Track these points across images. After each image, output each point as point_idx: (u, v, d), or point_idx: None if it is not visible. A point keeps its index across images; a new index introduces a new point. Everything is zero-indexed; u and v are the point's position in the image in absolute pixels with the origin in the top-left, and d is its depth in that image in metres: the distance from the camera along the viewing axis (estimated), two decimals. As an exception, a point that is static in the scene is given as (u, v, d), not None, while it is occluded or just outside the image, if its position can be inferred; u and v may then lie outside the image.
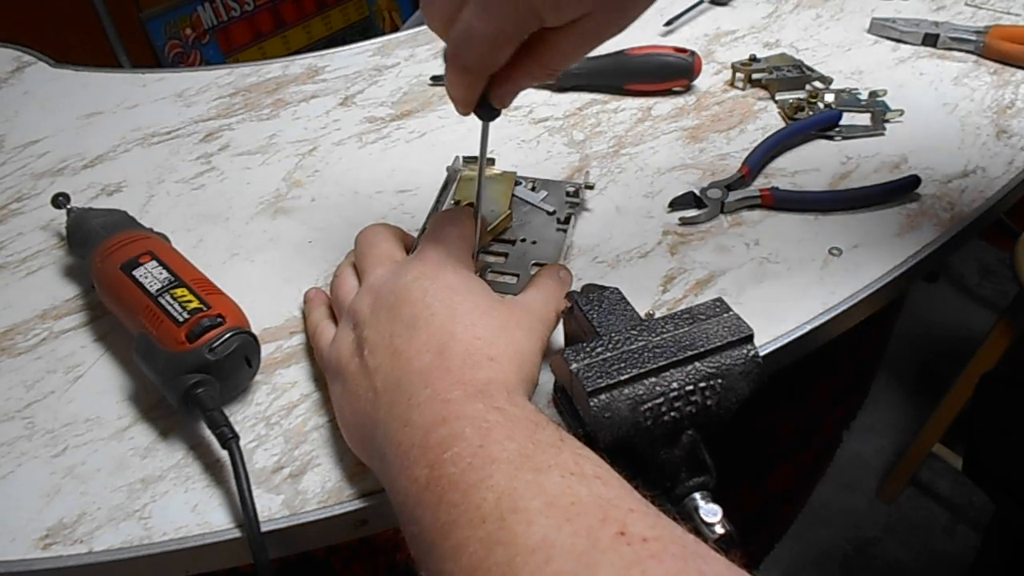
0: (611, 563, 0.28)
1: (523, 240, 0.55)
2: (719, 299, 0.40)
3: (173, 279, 0.46)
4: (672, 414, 0.37)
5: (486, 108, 0.42)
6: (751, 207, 0.57)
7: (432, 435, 0.34)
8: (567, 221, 0.56)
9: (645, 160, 0.62)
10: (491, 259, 0.54)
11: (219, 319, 0.44)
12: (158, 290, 0.45)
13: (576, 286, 0.48)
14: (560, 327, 0.46)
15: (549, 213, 0.57)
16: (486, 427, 0.34)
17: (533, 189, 0.59)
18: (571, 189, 0.57)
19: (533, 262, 0.53)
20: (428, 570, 0.33)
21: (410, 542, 0.34)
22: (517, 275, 0.52)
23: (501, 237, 0.55)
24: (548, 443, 0.33)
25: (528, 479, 0.31)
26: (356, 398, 0.40)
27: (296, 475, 0.42)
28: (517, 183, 0.58)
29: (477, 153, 0.60)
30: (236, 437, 0.41)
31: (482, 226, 0.54)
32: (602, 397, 0.36)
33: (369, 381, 0.39)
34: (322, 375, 0.46)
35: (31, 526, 0.41)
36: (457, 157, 0.60)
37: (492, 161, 0.60)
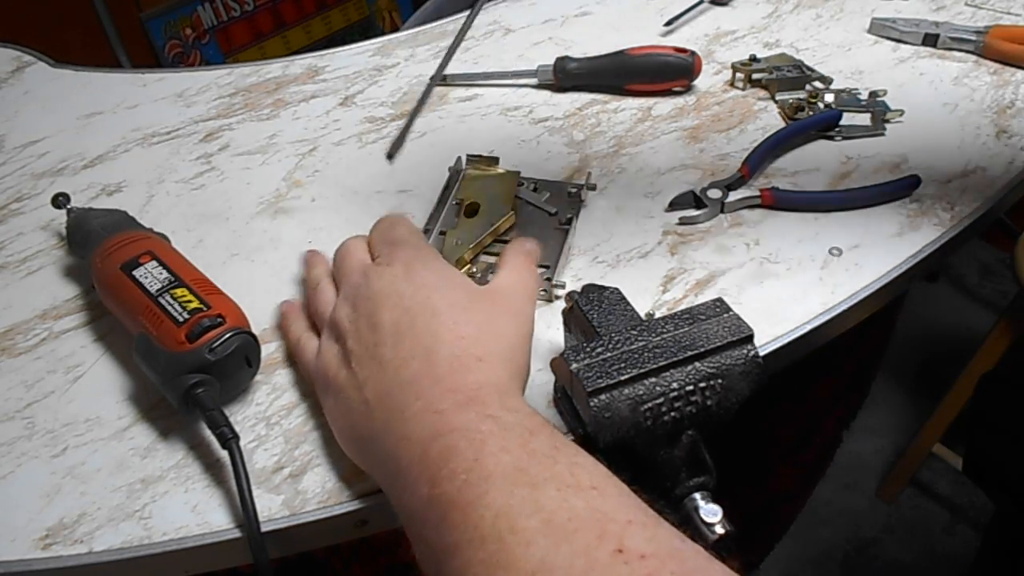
0: None
1: None
2: (719, 299, 0.40)
3: (173, 279, 0.46)
4: (672, 414, 0.37)
5: None
6: (751, 207, 0.57)
7: (429, 450, 0.34)
8: (568, 222, 0.56)
9: (645, 160, 0.62)
10: (492, 259, 0.54)
11: (219, 319, 0.44)
12: (158, 290, 0.45)
13: (576, 286, 0.48)
14: (560, 327, 0.46)
15: (551, 214, 0.57)
16: (479, 439, 0.34)
17: (535, 190, 0.59)
18: (573, 190, 0.57)
19: None
20: None
21: (420, 560, 0.34)
22: None
23: (502, 237, 0.55)
24: (543, 453, 0.33)
25: (524, 495, 0.31)
26: (349, 411, 0.40)
27: (296, 475, 0.42)
28: (519, 184, 0.58)
29: (478, 152, 0.61)
30: (236, 437, 0.41)
31: (486, 226, 0.54)
32: (602, 397, 0.36)
33: (360, 394, 0.39)
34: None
35: (31, 526, 0.41)
36: (459, 157, 0.60)
37: (496, 160, 0.60)
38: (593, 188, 0.59)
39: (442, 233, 0.55)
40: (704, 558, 0.30)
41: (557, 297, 0.51)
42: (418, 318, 0.40)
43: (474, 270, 0.53)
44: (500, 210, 0.55)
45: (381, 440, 0.37)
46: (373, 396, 0.38)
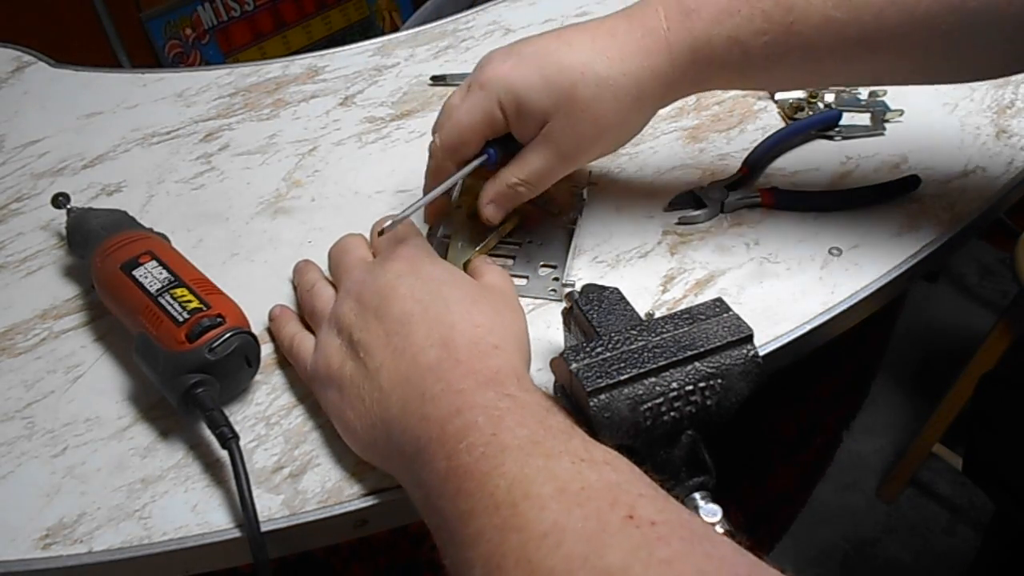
0: (620, 545, 0.28)
1: (529, 242, 0.55)
2: (719, 299, 0.40)
3: (173, 279, 0.46)
4: (672, 414, 0.37)
5: None
6: (751, 207, 0.57)
7: (448, 426, 0.35)
8: (574, 222, 0.56)
9: (645, 160, 0.62)
10: (499, 262, 0.54)
11: (219, 319, 0.44)
12: (158, 290, 0.45)
13: (576, 286, 0.48)
14: (560, 327, 0.46)
15: (555, 214, 0.57)
16: (497, 415, 0.34)
17: None
18: (573, 189, 0.57)
19: (542, 264, 0.53)
20: (451, 558, 0.33)
21: (434, 533, 0.35)
22: (527, 277, 0.52)
23: (507, 240, 0.55)
24: (559, 429, 0.34)
25: (539, 465, 0.32)
26: (359, 401, 0.40)
27: (296, 475, 0.42)
28: None
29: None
30: (236, 437, 0.41)
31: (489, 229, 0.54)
32: (602, 397, 0.36)
33: (372, 382, 0.39)
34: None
35: (31, 526, 0.41)
36: None
37: None
38: (595, 184, 0.59)
39: (446, 237, 0.55)
40: (712, 531, 0.31)
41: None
42: (430, 308, 0.41)
43: None
44: None
45: (397, 423, 0.38)
46: (388, 383, 0.39)
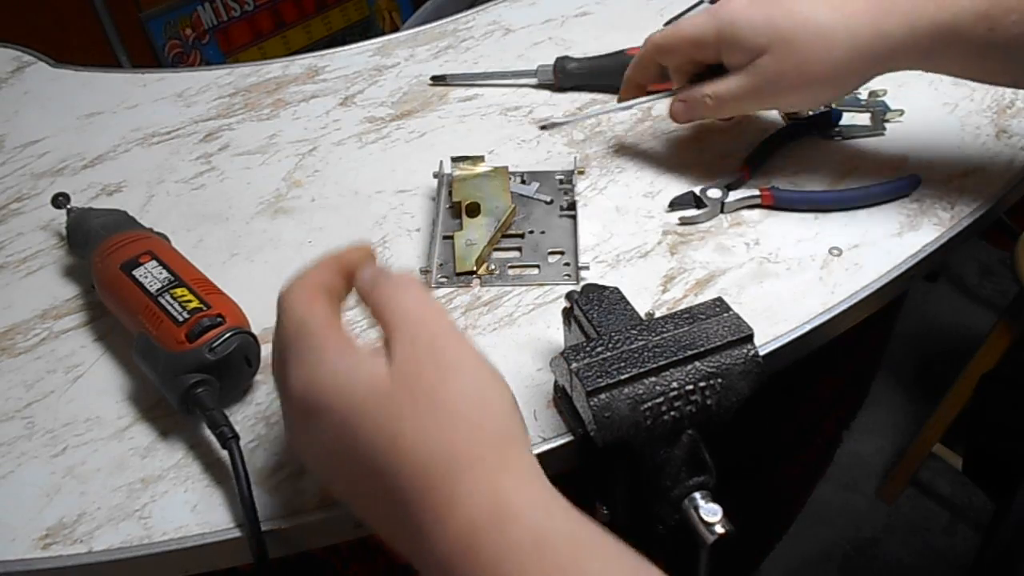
0: None
1: (531, 232, 0.55)
2: (719, 299, 0.40)
3: (173, 279, 0.46)
4: (672, 414, 0.37)
5: None
6: (751, 207, 0.57)
7: None
8: (572, 207, 0.56)
9: (645, 160, 0.62)
10: (507, 255, 0.54)
11: (219, 319, 0.44)
12: (158, 290, 0.45)
13: (589, 269, 0.48)
14: (560, 327, 0.46)
15: (547, 203, 0.57)
16: None
17: (523, 182, 0.59)
18: (561, 177, 0.58)
19: (550, 251, 0.54)
20: None
21: None
22: (537, 266, 0.53)
23: (509, 232, 0.55)
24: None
25: None
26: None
27: (296, 475, 0.42)
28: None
29: (470, 153, 0.61)
30: (236, 437, 0.41)
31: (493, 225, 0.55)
32: (602, 397, 0.36)
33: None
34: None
35: (31, 526, 0.41)
36: (441, 161, 0.60)
37: (481, 158, 0.60)
38: (582, 172, 0.59)
39: (447, 237, 0.55)
40: None
41: (583, 279, 0.52)
42: (376, 454, 0.32)
43: (492, 267, 0.53)
44: (501, 205, 0.56)
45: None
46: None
